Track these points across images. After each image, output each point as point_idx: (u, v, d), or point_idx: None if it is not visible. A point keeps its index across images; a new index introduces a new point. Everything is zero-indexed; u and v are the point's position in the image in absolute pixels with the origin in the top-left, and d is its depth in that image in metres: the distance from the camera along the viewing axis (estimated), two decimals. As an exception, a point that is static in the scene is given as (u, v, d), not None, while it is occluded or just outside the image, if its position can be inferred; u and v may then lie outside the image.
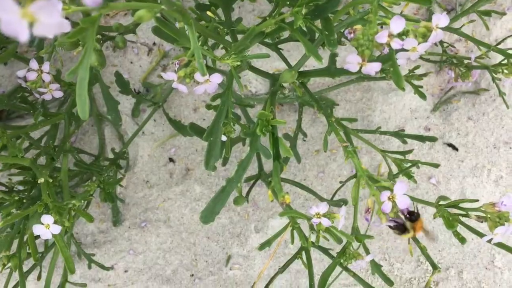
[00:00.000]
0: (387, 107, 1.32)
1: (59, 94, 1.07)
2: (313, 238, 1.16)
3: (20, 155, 0.86)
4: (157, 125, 1.39)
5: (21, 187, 1.17)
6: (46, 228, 0.81)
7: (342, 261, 0.99)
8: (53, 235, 0.82)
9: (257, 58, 0.79)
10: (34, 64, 1.03)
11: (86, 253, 1.23)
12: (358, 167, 0.79)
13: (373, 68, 0.66)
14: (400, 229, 0.75)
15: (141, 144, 1.38)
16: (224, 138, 1.09)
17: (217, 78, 0.76)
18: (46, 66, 1.03)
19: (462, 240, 0.80)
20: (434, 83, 1.33)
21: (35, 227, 0.81)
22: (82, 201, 1.13)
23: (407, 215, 0.74)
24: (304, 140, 1.35)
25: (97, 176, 1.17)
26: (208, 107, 1.13)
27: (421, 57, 1.31)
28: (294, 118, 1.36)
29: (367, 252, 0.99)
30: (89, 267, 1.22)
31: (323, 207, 0.85)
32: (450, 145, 1.30)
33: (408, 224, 0.74)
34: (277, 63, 1.39)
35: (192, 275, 1.32)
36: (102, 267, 1.24)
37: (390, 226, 0.75)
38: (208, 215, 0.79)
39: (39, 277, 1.16)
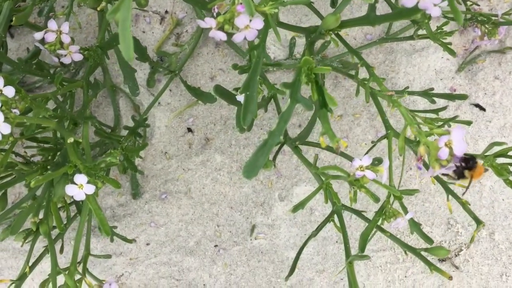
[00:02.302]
0: (411, 69, 1.29)
1: (78, 56, 1.02)
2: (343, 200, 1.12)
3: (47, 115, 0.82)
4: (173, 95, 1.35)
5: (37, 159, 1.13)
6: (80, 188, 0.77)
7: (380, 220, 0.96)
8: (86, 196, 0.78)
9: (296, 3, 0.76)
10: (53, 24, 0.98)
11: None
12: (406, 115, 0.75)
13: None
14: (460, 174, 0.72)
15: (157, 115, 1.34)
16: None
17: (258, 24, 0.72)
18: (65, 27, 0.98)
19: (516, 187, 0.77)
20: (458, 43, 1.30)
21: (68, 187, 0.77)
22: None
23: (464, 163, 0.70)
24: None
25: (117, 146, 1.13)
26: (235, 67, 1.09)
27: (444, 16, 1.28)
28: (315, 84, 1.32)
29: (405, 210, 0.97)
30: (112, 240, 1.19)
31: (367, 160, 0.82)
32: (477, 105, 1.27)
33: (465, 172, 0.71)
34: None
35: (216, 245, 1.29)
36: (125, 239, 1.20)
37: (445, 174, 0.72)
38: (251, 169, 0.75)
39: (61, 250, 1.12)
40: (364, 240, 0.95)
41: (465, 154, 0.70)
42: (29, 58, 1.22)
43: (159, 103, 1.35)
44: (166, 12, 1.40)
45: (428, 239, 0.97)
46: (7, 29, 1.13)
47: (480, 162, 0.72)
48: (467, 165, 0.71)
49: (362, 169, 0.82)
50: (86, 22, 1.42)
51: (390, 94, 0.78)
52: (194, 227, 1.29)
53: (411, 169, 1.27)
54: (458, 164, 0.70)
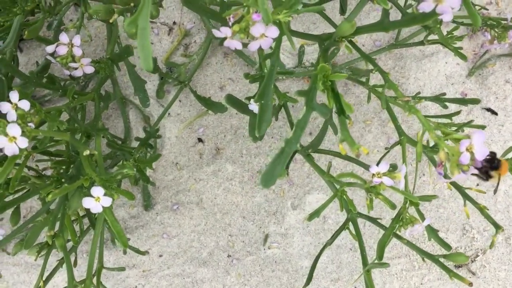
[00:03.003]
0: (421, 74, 1.28)
1: (90, 69, 1.02)
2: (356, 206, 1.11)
3: (62, 127, 0.82)
4: (183, 105, 1.35)
5: (49, 173, 1.13)
6: (97, 201, 0.77)
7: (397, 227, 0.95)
8: (103, 209, 0.78)
9: (310, 11, 0.75)
10: (64, 37, 0.98)
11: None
12: (424, 121, 0.75)
13: (452, 3, 0.62)
14: (486, 176, 0.71)
15: (167, 126, 1.34)
16: (257, 108, 1.05)
17: (273, 32, 0.72)
18: (77, 40, 0.99)
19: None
20: (467, 47, 1.30)
21: (85, 200, 0.76)
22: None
23: (487, 164, 0.69)
24: (336, 113, 1.31)
25: (128, 157, 1.13)
26: (246, 76, 1.09)
27: (453, 21, 1.27)
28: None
29: (422, 217, 0.96)
30: (124, 252, 1.18)
31: (384, 166, 0.81)
32: (489, 109, 1.27)
33: (491, 172, 0.70)
34: (303, 35, 1.35)
35: (229, 256, 1.28)
36: (138, 251, 1.19)
37: (475, 174, 0.71)
38: (269, 178, 0.75)
39: (75, 264, 1.12)
40: (381, 247, 0.94)
41: (487, 158, 0.70)
42: (39, 72, 1.22)
43: (169, 114, 1.35)
44: (174, 23, 1.41)
45: (446, 245, 0.96)
46: (17, 43, 1.13)
47: (502, 159, 0.71)
48: (491, 165, 0.70)
49: (379, 175, 0.81)
50: (94, 35, 1.43)
51: (407, 100, 0.78)
52: (206, 237, 1.29)
53: (424, 175, 1.27)
54: (482, 165, 0.69)
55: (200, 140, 1.33)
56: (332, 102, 0.75)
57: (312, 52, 1.34)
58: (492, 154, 0.70)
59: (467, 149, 0.68)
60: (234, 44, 0.73)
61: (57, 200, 0.92)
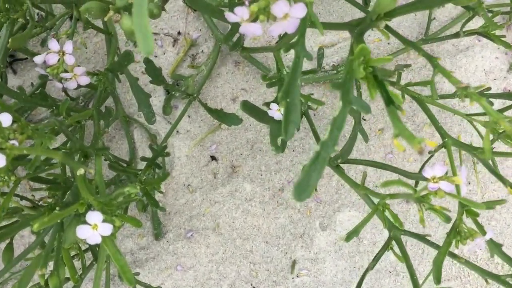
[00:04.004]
0: (457, 71, 1.15)
1: (85, 80, 0.90)
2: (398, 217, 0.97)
3: (51, 145, 0.69)
4: (192, 121, 1.22)
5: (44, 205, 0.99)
6: (94, 229, 0.63)
7: (454, 242, 0.80)
8: (103, 238, 0.64)
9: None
10: (54, 44, 0.86)
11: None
12: (490, 111, 0.61)
13: None
14: None
15: (176, 145, 1.21)
16: (279, 115, 0.92)
17: (300, 10, 0.59)
18: (68, 46, 0.86)
19: None
20: (505, 39, 1.16)
21: (80, 229, 0.63)
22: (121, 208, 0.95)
23: None
24: (364, 119, 1.18)
25: (134, 180, 0.99)
26: (264, 78, 0.96)
27: (489, 10, 1.14)
28: (349, 96, 1.18)
29: (481, 228, 0.81)
30: (134, 288, 1.03)
31: (440, 168, 0.67)
32: (537, 105, 1.12)
33: None
34: (321, 37, 1.23)
35: (253, 287, 1.13)
36: (149, 287, 1.04)
37: None
38: (303, 189, 0.61)
39: (77, 305, 0.97)
40: (438, 267, 0.79)
41: None
42: (34, 92, 1.10)
43: (177, 131, 1.22)
44: (179, 33, 1.29)
45: (513, 263, 0.81)
46: (6, 57, 1.01)
47: None
48: None
49: (435, 180, 0.67)
50: (93, 51, 1.31)
51: (465, 86, 0.64)
52: (226, 267, 1.14)
53: (469, 183, 1.12)
54: None
55: (213, 158, 1.20)
56: (375, 92, 0.61)
57: (332, 54, 1.21)
58: None
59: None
60: (253, 29, 0.60)
61: (51, 232, 0.78)
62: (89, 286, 1.13)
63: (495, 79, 1.14)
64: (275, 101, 0.91)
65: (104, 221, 0.63)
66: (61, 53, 0.86)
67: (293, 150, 1.18)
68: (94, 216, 0.62)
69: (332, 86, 0.66)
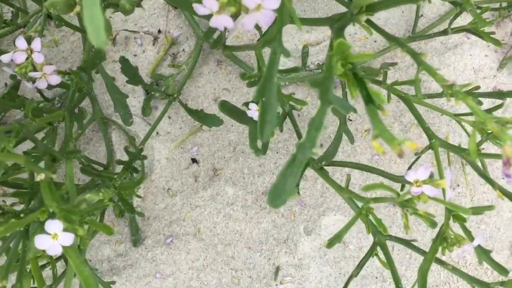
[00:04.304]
0: (445, 70, 1.11)
1: (56, 79, 0.85)
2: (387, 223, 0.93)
3: (11, 146, 0.64)
4: (173, 122, 1.18)
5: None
6: (53, 238, 0.58)
7: (441, 249, 0.77)
8: (64, 249, 0.59)
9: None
10: (21, 42, 0.81)
11: (105, 281, 1.00)
12: (476, 110, 0.57)
13: None
14: None
15: (156, 147, 1.16)
16: (258, 115, 0.88)
17: (273, 2, 0.55)
18: (37, 44, 0.82)
19: None
20: (495, 37, 1.13)
21: (39, 238, 0.58)
22: (94, 214, 0.91)
23: None
24: (350, 120, 1.14)
25: (109, 184, 0.95)
26: (243, 76, 0.92)
27: (478, 7, 1.11)
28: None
29: (468, 234, 0.77)
30: (110, 298, 0.99)
31: (424, 171, 0.63)
32: (528, 105, 1.09)
33: None
34: (306, 35, 1.19)
35: (235, 295, 1.08)
36: (126, 296, 1.00)
37: None
38: (278, 195, 0.57)
39: (48, 317, 0.92)
40: (424, 275, 0.75)
41: None
42: (7, 94, 1.05)
43: (157, 133, 1.18)
44: (159, 31, 1.24)
45: (503, 270, 0.77)
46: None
47: None
48: None
49: (418, 184, 0.63)
50: (70, 50, 1.26)
51: (450, 84, 0.60)
52: (207, 274, 1.09)
53: (458, 185, 1.08)
54: None
55: (194, 160, 1.15)
56: (355, 91, 0.57)
57: (317, 53, 1.18)
58: None
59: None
60: (223, 21, 0.56)
61: (14, 241, 0.74)
62: (64, 295, 1.09)
63: (484, 78, 1.10)
64: (254, 101, 0.87)
65: (65, 230, 0.58)
66: (29, 51, 0.82)
67: (277, 152, 1.14)
68: (54, 225, 0.57)
69: (310, 84, 0.62)
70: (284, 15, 0.64)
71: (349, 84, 0.58)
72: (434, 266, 1.05)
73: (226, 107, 0.89)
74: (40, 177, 0.63)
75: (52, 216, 0.64)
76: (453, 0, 0.86)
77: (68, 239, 0.58)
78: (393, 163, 1.10)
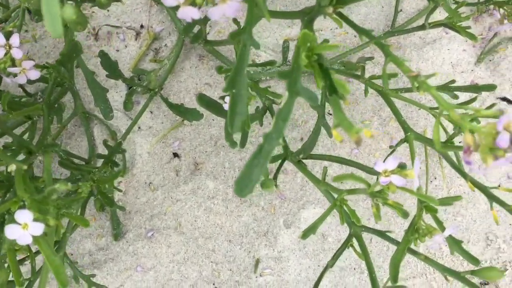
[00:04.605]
0: (424, 64, 1.12)
1: (35, 74, 0.86)
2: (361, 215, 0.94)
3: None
4: (155, 117, 1.18)
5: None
6: (24, 228, 0.59)
7: (413, 239, 0.78)
8: (35, 238, 0.60)
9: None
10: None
11: (84, 274, 1.00)
12: (440, 100, 0.58)
13: None
14: None
15: (138, 141, 1.17)
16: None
17: (239, -6, 0.56)
18: (15, 39, 0.82)
19: None
20: (473, 31, 1.14)
21: (9, 228, 0.59)
22: (73, 207, 0.91)
23: None
24: (330, 114, 1.15)
25: (87, 178, 0.95)
26: (220, 70, 0.93)
27: (455, 1, 1.12)
28: (314, 91, 1.16)
29: (440, 225, 0.78)
30: (90, 291, 0.99)
31: (392, 162, 0.64)
32: (504, 99, 1.10)
33: None
34: (287, 30, 1.20)
35: (216, 287, 1.09)
36: (105, 289, 1.01)
37: None
38: (244, 185, 0.58)
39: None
40: (395, 266, 0.76)
41: None
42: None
43: (139, 127, 1.18)
44: (142, 26, 1.25)
45: (474, 259, 0.79)
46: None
47: None
48: None
49: (387, 174, 0.64)
50: (53, 45, 1.27)
51: (415, 75, 0.61)
52: (187, 267, 1.10)
53: (435, 178, 1.09)
54: None
55: (175, 155, 1.16)
56: (321, 82, 0.58)
57: (298, 48, 1.18)
58: None
59: (505, 128, 0.51)
60: (190, 12, 0.57)
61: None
62: (45, 288, 1.09)
63: (462, 72, 1.12)
64: (224, 92, 0.87)
65: (35, 220, 0.59)
66: (7, 47, 0.82)
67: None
68: (23, 215, 0.58)
69: (278, 75, 0.62)
70: (253, 7, 0.65)
71: (315, 75, 0.58)
72: (412, 258, 1.06)
73: (204, 100, 0.89)
74: (11, 168, 0.64)
75: (23, 206, 0.65)
76: (426, -5, 0.87)
77: (38, 229, 0.59)
78: (371, 156, 1.11)
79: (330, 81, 0.55)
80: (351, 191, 0.80)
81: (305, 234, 0.82)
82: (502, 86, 1.10)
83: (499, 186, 1.06)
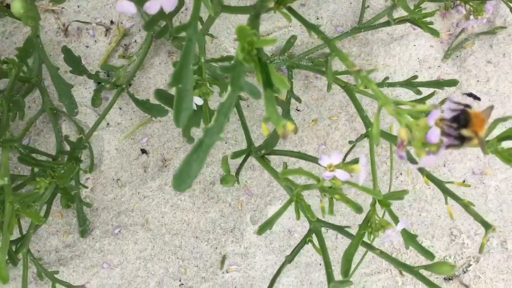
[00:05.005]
0: (391, 60, 1.12)
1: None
2: (321, 211, 0.94)
3: None
4: (124, 113, 1.18)
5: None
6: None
7: (367, 234, 0.78)
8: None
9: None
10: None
11: (48, 271, 1.00)
12: (379, 94, 0.58)
13: None
14: (460, 140, 0.51)
15: (106, 138, 1.16)
16: (200, 101, 0.89)
17: (175, -13, 0.55)
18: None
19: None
20: (441, 28, 1.14)
21: None
22: (37, 206, 0.91)
23: (456, 123, 0.51)
24: (298, 110, 1.15)
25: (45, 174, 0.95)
26: (175, 65, 0.92)
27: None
28: (283, 87, 1.15)
29: (395, 220, 0.78)
30: None
31: (337, 156, 0.64)
32: (470, 94, 1.10)
33: (465, 132, 0.50)
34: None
35: (182, 284, 1.09)
36: (69, 286, 1.00)
37: (450, 145, 0.51)
38: (183, 180, 0.57)
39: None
40: (347, 260, 0.76)
41: (453, 111, 0.51)
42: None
43: (108, 124, 1.18)
44: (112, 22, 1.24)
45: (428, 254, 0.79)
46: None
47: (471, 110, 0.51)
48: (459, 123, 0.50)
49: (331, 168, 0.64)
50: (23, 41, 1.26)
51: (357, 69, 0.61)
52: (154, 264, 1.10)
53: (401, 174, 1.09)
54: (450, 128, 0.51)
55: (144, 151, 1.16)
56: (261, 76, 0.58)
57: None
58: (462, 109, 0.51)
59: (436, 124, 0.51)
60: (126, 7, 0.57)
61: None
62: (13, 285, 1.09)
63: (429, 68, 1.12)
64: (170, 87, 0.87)
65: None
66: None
67: (226, 142, 1.14)
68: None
69: (221, 70, 0.62)
70: (199, 1, 0.65)
71: (255, 69, 0.58)
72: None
73: (162, 96, 0.89)
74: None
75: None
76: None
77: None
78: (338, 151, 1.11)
79: (266, 75, 0.55)
80: (307, 187, 0.80)
81: (261, 229, 0.82)
82: (468, 81, 1.11)
83: (464, 181, 1.06)
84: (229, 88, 0.61)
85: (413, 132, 0.53)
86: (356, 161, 0.74)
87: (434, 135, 0.50)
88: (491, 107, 0.55)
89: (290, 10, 0.70)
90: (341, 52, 0.66)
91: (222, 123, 0.59)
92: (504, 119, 0.58)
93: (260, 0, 0.64)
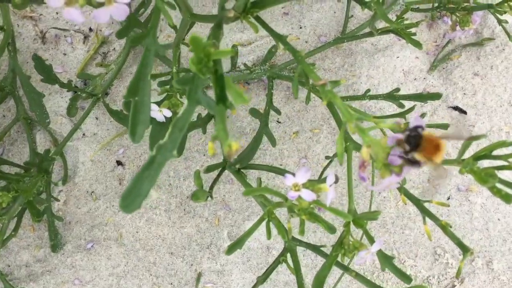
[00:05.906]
0: (375, 71, 1.09)
1: None
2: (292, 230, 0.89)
3: None
4: (100, 123, 1.14)
5: None
6: None
7: (340, 255, 0.74)
8: None
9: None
10: None
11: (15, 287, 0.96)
12: (343, 110, 0.54)
13: None
14: (411, 163, 0.47)
15: (81, 148, 1.13)
16: (169, 113, 0.85)
17: (125, -6, 0.52)
18: None
19: (507, 197, 0.55)
20: (427, 38, 1.10)
21: None
22: (5, 220, 0.87)
23: (407, 144, 0.47)
24: (279, 122, 1.11)
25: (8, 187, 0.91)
26: (152, 76, 0.89)
27: (406, 5, 1.09)
28: (263, 98, 1.12)
29: (371, 240, 0.74)
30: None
31: (303, 174, 0.60)
32: (456, 108, 1.07)
33: (416, 155, 0.46)
34: (238, 35, 1.16)
35: (155, 302, 1.05)
36: (36, 303, 0.96)
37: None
38: (131, 200, 0.54)
39: None
40: (320, 283, 0.72)
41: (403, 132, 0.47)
42: None
43: (83, 134, 1.14)
44: (90, 29, 1.21)
45: (405, 277, 0.74)
46: None
47: (424, 131, 0.47)
48: (410, 145, 0.46)
49: (297, 188, 0.60)
50: None
51: (322, 83, 0.57)
52: (127, 281, 1.06)
53: (384, 190, 1.05)
54: (401, 150, 0.47)
55: (119, 163, 1.12)
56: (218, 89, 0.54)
57: (248, 53, 1.15)
58: (408, 130, 0.47)
59: (398, 144, 0.47)
60: (73, 15, 0.53)
61: None
62: (-23, 301, 1.05)
63: (415, 79, 1.08)
64: (155, 102, 0.84)
65: None
66: None
67: (204, 155, 1.11)
68: None
69: (177, 82, 0.59)
70: (160, 9, 0.61)
71: (212, 82, 0.55)
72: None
73: (130, 106, 0.85)
74: None
75: None
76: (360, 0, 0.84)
77: None
78: (320, 166, 1.07)
79: (220, 89, 0.51)
80: (278, 205, 0.76)
81: (230, 250, 0.78)
82: (454, 95, 1.07)
83: (449, 198, 1.02)
84: (186, 101, 0.57)
85: (375, 151, 0.49)
86: (324, 180, 0.71)
87: (395, 156, 0.46)
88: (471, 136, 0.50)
89: (258, 19, 0.67)
90: (307, 65, 0.62)
91: (177, 138, 0.55)
92: (477, 137, 0.54)
93: (220, 9, 0.60)
